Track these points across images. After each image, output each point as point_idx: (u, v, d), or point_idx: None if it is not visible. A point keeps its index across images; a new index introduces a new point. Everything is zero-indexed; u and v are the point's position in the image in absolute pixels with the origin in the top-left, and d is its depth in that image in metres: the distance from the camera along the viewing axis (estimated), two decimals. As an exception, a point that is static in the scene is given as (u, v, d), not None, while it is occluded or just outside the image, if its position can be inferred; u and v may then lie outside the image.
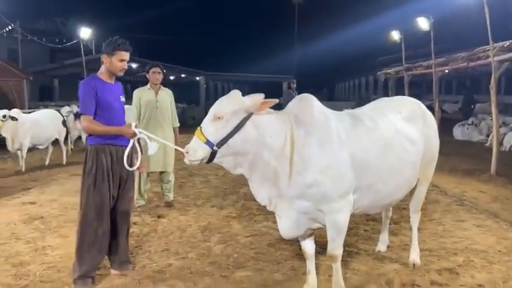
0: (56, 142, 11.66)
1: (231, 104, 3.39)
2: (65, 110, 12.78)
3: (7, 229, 5.77)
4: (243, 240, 5.31)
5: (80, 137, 13.72)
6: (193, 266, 4.54)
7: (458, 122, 16.80)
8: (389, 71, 18.20)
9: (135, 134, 4.01)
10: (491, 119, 10.54)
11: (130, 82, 33.29)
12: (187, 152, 3.33)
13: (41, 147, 11.24)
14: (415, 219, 4.68)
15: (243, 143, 3.36)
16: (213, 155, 3.35)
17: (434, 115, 13.38)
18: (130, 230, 5.69)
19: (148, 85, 6.72)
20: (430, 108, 19.64)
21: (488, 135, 13.89)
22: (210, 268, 4.50)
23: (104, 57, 4.16)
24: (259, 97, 3.43)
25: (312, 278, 3.95)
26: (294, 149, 3.43)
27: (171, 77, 33.02)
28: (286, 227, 3.62)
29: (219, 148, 3.33)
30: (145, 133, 4.13)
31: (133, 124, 4.05)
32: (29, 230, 5.75)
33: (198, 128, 3.37)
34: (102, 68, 4.21)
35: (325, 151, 3.48)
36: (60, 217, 6.31)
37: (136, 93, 6.74)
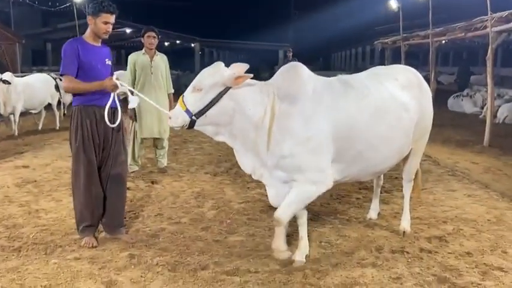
0: (48, 107, 11.57)
1: (210, 77, 3.52)
2: (56, 74, 12.60)
3: (0, 192, 5.77)
4: (236, 207, 5.34)
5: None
6: (186, 231, 4.57)
7: (453, 93, 16.77)
8: (386, 40, 18.07)
9: (116, 87, 3.97)
10: (486, 91, 10.54)
11: (125, 47, 32.87)
12: (170, 118, 3.56)
13: (33, 111, 11.16)
14: (407, 188, 4.67)
15: (220, 114, 3.51)
16: (192, 123, 3.53)
17: (429, 86, 13.40)
18: (124, 195, 5.72)
19: (143, 50, 6.63)
20: (426, 79, 19.53)
21: (482, 107, 13.90)
22: (202, 233, 4.54)
23: (89, 19, 4.10)
24: (239, 68, 3.52)
25: (303, 244, 3.99)
26: (273, 121, 3.49)
27: (166, 43, 32.63)
28: (272, 195, 3.79)
29: (197, 118, 3.50)
30: (126, 86, 4.16)
31: (115, 76, 4.01)
32: (22, 193, 5.76)
33: (181, 96, 3.55)
34: (88, 30, 4.15)
35: (307, 124, 3.50)
36: (54, 181, 6.31)
37: (131, 57, 6.67)
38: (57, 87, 11.66)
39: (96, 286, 3.49)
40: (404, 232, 4.51)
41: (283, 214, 3.68)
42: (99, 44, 4.21)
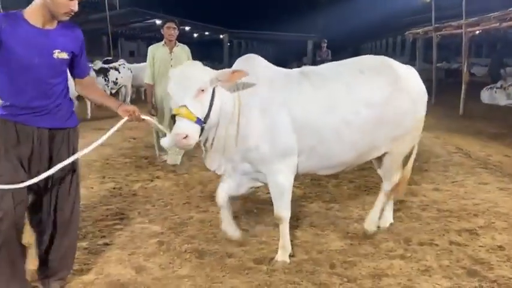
0: (80, 97, 11.76)
1: (205, 74, 3.29)
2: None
3: (34, 179, 5.92)
4: (263, 197, 5.35)
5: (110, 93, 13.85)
6: (214, 219, 4.61)
7: (486, 85, 16.35)
8: (417, 30, 17.69)
9: (138, 119, 3.19)
10: (522, 82, 10.24)
11: (156, 39, 33.19)
12: (187, 136, 3.09)
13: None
14: (383, 186, 4.36)
15: (214, 113, 3.30)
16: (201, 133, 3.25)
17: (462, 77, 13.07)
18: (152, 184, 5.82)
19: (163, 41, 6.49)
20: (458, 70, 19.19)
21: (517, 99, 13.52)
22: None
23: None
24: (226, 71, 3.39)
25: (283, 243, 3.80)
26: (240, 114, 3.44)
27: (195, 35, 32.81)
28: (230, 187, 3.76)
29: (205, 123, 3.24)
30: (158, 125, 3.65)
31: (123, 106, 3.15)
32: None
33: (180, 107, 3.13)
34: (33, 4, 2.78)
35: (265, 115, 3.45)
36: (84, 169, 6.41)
37: (150, 49, 6.54)
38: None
39: (126, 271, 3.56)
40: (365, 232, 4.25)
41: (279, 208, 3.67)
42: (53, 27, 2.83)
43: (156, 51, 6.47)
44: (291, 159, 3.56)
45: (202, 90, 3.20)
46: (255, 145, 3.46)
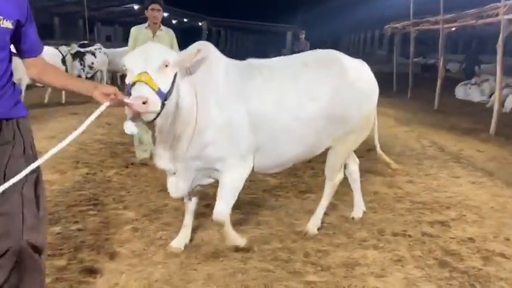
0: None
1: (170, 52, 3.10)
2: (63, 49, 12.57)
3: (5, 162, 5.79)
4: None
5: (79, 76, 13.58)
6: (189, 207, 4.58)
7: (461, 81, 16.64)
8: (396, 25, 17.85)
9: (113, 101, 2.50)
10: (494, 80, 10.44)
11: (134, 23, 32.68)
12: (146, 102, 2.66)
13: (39, 84, 11.13)
14: (326, 188, 4.26)
15: (173, 100, 2.95)
16: (161, 110, 2.85)
17: (438, 73, 13.24)
18: (128, 170, 5.75)
19: (147, 23, 6.07)
20: (434, 66, 19.38)
21: (490, 96, 13.78)
22: (205, 210, 4.54)
23: None
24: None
25: (186, 232, 3.80)
26: (197, 109, 3.17)
27: (174, 21, 32.41)
28: (180, 187, 3.42)
29: (166, 100, 2.87)
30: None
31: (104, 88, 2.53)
32: (27, 164, 5.77)
33: (141, 74, 2.77)
34: None
35: (221, 108, 3.25)
36: (58, 154, 6.30)
37: (133, 31, 6.09)
38: (64, 61, 11.64)
39: (99, 257, 3.52)
40: (306, 233, 4.10)
41: (223, 210, 3.45)
42: None
43: (138, 33, 6.04)
44: (249, 155, 3.41)
45: (166, 66, 2.88)
46: (212, 140, 3.23)
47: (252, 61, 3.63)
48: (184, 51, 3.14)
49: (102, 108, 2.44)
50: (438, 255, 3.77)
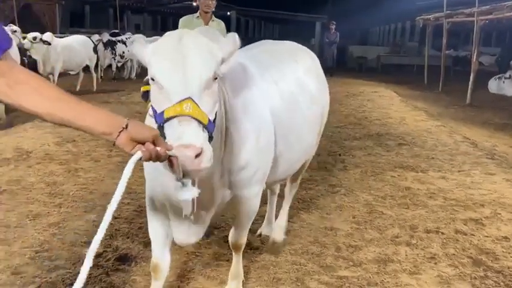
0: (86, 69, 11.75)
1: (222, 50, 1.95)
2: (95, 38, 12.78)
3: (41, 150, 5.95)
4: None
5: (109, 66, 13.78)
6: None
7: (494, 75, 16.23)
8: (428, 16, 17.50)
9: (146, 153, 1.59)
10: (531, 74, 10.16)
11: (161, 13, 32.88)
12: (200, 154, 1.65)
13: (72, 72, 11.37)
14: (292, 189, 3.83)
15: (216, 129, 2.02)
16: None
17: (470, 66, 12.96)
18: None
19: (198, 13, 5.37)
20: (467, 59, 18.96)
21: (525, 91, 13.43)
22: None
23: None
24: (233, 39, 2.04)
25: None
26: (227, 118, 2.26)
27: (202, 11, 32.49)
28: (195, 232, 2.51)
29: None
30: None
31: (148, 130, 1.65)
32: (62, 152, 5.92)
33: (184, 101, 1.71)
34: None
35: (252, 118, 2.43)
36: (92, 142, 6.44)
37: (182, 22, 5.40)
38: (95, 50, 11.82)
39: (134, 245, 3.59)
40: (274, 243, 3.69)
41: (243, 237, 2.89)
42: None
43: (188, 24, 5.21)
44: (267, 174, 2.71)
45: (216, 78, 1.87)
46: (247, 162, 2.39)
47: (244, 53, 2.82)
48: (225, 46, 1.99)
49: (131, 164, 1.52)
50: (472, 253, 3.72)
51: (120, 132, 1.55)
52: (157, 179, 2.34)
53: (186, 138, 1.66)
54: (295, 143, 2.96)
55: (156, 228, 2.61)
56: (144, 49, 1.90)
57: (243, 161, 2.37)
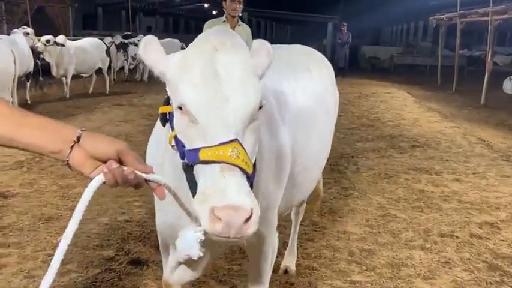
0: (99, 71, 11.83)
1: (257, 73, 1.47)
2: (107, 40, 12.87)
3: (54, 152, 5.97)
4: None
5: (121, 68, 13.86)
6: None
7: (509, 75, 16.03)
8: (442, 16, 17.35)
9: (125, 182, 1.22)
10: (547, 74, 10.02)
11: (173, 15, 32.99)
12: (251, 215, 1.24)
13: (84, 75, 11.45)
14: (300, 213, 3.43)
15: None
16: None
17: (484, 66, 12.81)
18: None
19: (224, 16, 5.19)
20: (480, 59, 18.79)
21: (540, 91, 13.23)
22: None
23: None
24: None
25: None
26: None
27: (214, 12, 32.54)
28: (191, 273, 2.12)
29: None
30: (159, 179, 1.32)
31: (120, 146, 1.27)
32: (75, 154, 5.94)
33: (229, 143, 1.29)
34: None
35: (274, 138, 2.01)
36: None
37: (208, 26, 4.99)
38: (108, 53, 11.89)
39: (146, 249, 3.58)
40: (287, 271, 3.36)
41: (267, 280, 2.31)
42: None
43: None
44: None
45: (261, 107, 1.44)
46: (264, 189, 1.90)
47: None
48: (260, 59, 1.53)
49: (89, 193, 1.18)
50: (488, 258, 3.66)
51: (71, 147, 1.18)
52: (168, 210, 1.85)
53: (234, 197, 1.23)
54: (312, 164, 2.52)
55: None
56: (164, 61, 1.44)
57: (259, 188, 1.79)
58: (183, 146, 1.37)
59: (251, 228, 1.25)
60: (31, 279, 3.12)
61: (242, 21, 5.43)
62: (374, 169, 5.92)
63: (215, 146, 1.28)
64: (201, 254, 1.42)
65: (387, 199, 4.83)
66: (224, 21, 5.19)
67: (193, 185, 1.35)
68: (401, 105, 11.54)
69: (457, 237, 4.02)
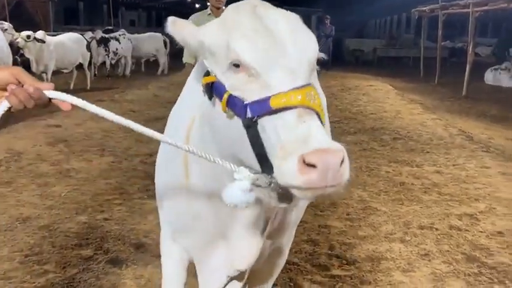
0: (79, 67, 11.68)
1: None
2: (88, 35, 12.70)
3: (33, 150, 5.89)
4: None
5: (103, 63, 13.70)
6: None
7: (490, 66, 16.21)
8: (424, 8, 17.45)
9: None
10: (527, 65, 10.14)
11: (156, 9, 32.71)
12: (343, 161, 1.12)
13: (65, 70, 11.31)
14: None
15: None
16: None
17: (466, 57, 12.95)
18: (152, 159, 5.81)
19: (209, 9, 4.92)
20: (462, 50, 18.97)
21: (521, 81, 13.42)
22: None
23: None
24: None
25: None
26: None
27: (197, 5, 32.36)
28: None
29: None
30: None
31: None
32: (54, 152, 5.86)
33: (309, 89, 1.20)
34: None
35: None
36: (84, 141, 6.40)
37: (192, 20, 4.27)
38: (88, 48, 11.74)
39: (125, 248, 3.55)
40: None
41: None
42: None
43: (200, 22, 4.75)
44: None
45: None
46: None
47: None
48: None
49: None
50: (466, 249, 3.69)
51: None
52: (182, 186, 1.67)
53: (323, 140, 1.11)
54: None
55: (172, 269, 2.05)
56: (199, 31, 1.41)
57: None
58: (243, 102, 1.23)
59: (346, 173, 1.13)
60: (7, 280, 3.07)
61: None
62: (356, 162, 5.93)
63: (287, 91, 1.17)
64: (250, 201, 1.25)
65: (368, 192, 4.85)
66: (209, 13, 4.89)
67: (257, 145, 1.21)
68: (383, 98, 11.59)
69: (437, 229, 4.05)
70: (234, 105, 1.25)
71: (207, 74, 1.36)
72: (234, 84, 1.26)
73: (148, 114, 8.17)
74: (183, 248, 1.91)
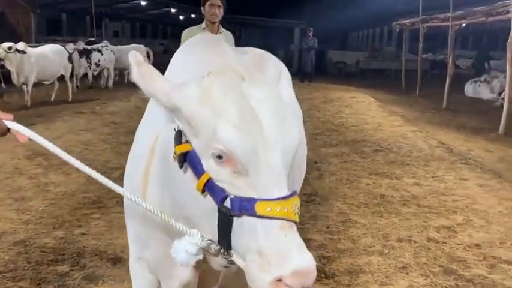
0: (61, 79, 11.60)
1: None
2: (70, 47, 12.61)
3: (11, 164, 5.82)
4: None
5: (85, 75, 13.62)
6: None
7: (470, 78, 16.48)
8: (404, 21, 17.72)
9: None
10: (505, 77, 10.32)
11: (140, 20, 32.65)
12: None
13: (46, 82, 11.21)
14: None
15: None
16: None
17: (447, 70, 13.16)
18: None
19: (204, 23, 4.85)
20: (444, 62, 19.19)
21: (500, 94, 13.64)
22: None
23: None
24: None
25: None
26: None
27: (181, 17, 32.42)
28: None
29: None
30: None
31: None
32: (32, 165, 5.79)
33: (294, 200, 1.21)
34: None
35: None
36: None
37: (186, 34, 4.72)
38: (70, 59, 11.67)
39: (102, 263, 3.50)
40: None
41: None
42: None
43: (193, 36, 4.58)
44: None
45: None
46: None
47: None
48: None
49: None
50: (443, 262, 3.72)
51: None
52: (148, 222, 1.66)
53: (300, 260, 1.14)
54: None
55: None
56: (175, 92, 1.26)
57: None
58: (223, 191, 1.20)
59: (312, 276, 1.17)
60: (-20, 298, 3.02)
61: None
62: (336, 174, 5.97)
63: (274, 200, 1.16)
64: (193, 262, 1.29)
65: (348, 204, 4.87)
66: (204, 28, 4.82)
67: (225, 229, 1.20)
68: (365, 110, 11.69)
69: (415, 241, 4.07)
70: (213, 191, 1.21)
71: (179, 135, 1.28)
72: (217, 174, 1.21)
73: (129, 127, 8.10)
74: (148, 267, 1.86)
